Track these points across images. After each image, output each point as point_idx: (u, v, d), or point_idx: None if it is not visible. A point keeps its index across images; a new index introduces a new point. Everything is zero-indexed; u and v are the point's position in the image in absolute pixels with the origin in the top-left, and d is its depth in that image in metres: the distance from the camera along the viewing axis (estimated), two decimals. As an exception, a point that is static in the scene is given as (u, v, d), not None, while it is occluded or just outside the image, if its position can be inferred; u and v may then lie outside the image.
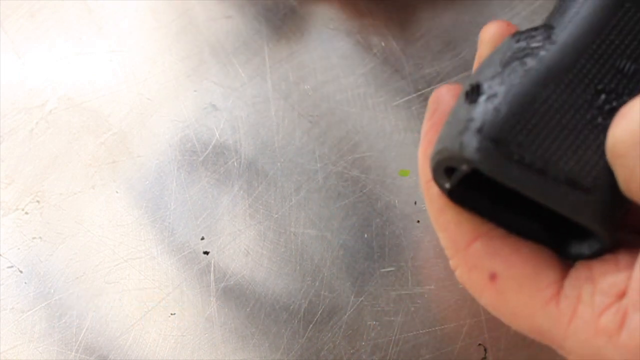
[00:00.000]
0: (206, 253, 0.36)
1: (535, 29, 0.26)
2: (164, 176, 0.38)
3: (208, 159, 0.38)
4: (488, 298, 0.25)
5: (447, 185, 0.25)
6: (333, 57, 0.41)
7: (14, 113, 0.39)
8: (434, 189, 0.26)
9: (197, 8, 0.42)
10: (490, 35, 0.28)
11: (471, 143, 0.23)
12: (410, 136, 0.38)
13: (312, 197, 0.37)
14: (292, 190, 0.37)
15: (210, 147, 0.38)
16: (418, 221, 0.36)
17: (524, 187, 0.23)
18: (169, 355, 0.33)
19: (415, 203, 0.37)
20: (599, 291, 0.23)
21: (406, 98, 0.39)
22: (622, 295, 0.22)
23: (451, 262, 0.25)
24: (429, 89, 0.40)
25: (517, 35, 0.26)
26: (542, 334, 0.24)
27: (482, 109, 0.23)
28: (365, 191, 0.37)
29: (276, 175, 0.37)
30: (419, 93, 0.40)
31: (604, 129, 0.23)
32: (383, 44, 0.41)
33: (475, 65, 0.27)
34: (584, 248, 0.24)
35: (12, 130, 0.39)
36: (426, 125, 0.27)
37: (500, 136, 0.23)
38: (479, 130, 0.23)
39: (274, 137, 0.38)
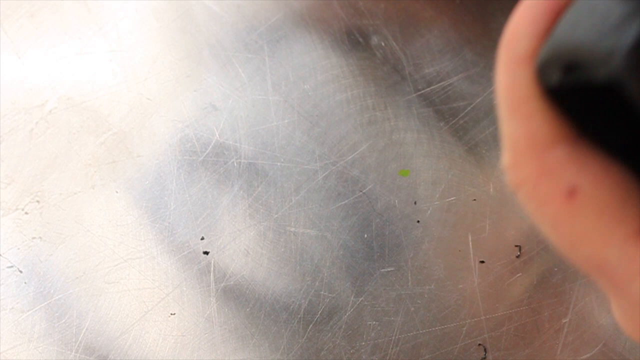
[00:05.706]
0: (206, 253, 0.36)
1: None
2: (163, 176, 0.38)
3: (208, 159, 0.38)
4: (553, 215, 0.19)
5: (557, 81, 0.17)
6: (333, 57, 0.41)
7: (14, 113, 0.39)
8: (523, 71, 0.19)
9: (197, 8, 0.42)
10: None
11: (629, 54, 0.14)
12: (410, 136, 0.38)
13: (312, 197, 0.37)
14: (292, 190, 0.37)
15: (210, 147, 0.38)
16: (418, 221, 0.36)
17: None
18: (169, 355, 0.33)
19: (415, 203, 0.37)
20: None
21: (406, 98, 0.39)
22: None
23: (510, 164, 0.20)
24: (429, 89, 0.40)
25: None
26: (602, 269, 0.20)
27: None
28: (365, 191, 0.37)
29: (276, 175, 0.37)
30: (419, 93, 0.40)
31: None
32: (383, 44, 0.41)
33: None
34: None
35: (12, 130, 0.39)
36: None
37: None
38: None
39: (274, 137, 0.38)
